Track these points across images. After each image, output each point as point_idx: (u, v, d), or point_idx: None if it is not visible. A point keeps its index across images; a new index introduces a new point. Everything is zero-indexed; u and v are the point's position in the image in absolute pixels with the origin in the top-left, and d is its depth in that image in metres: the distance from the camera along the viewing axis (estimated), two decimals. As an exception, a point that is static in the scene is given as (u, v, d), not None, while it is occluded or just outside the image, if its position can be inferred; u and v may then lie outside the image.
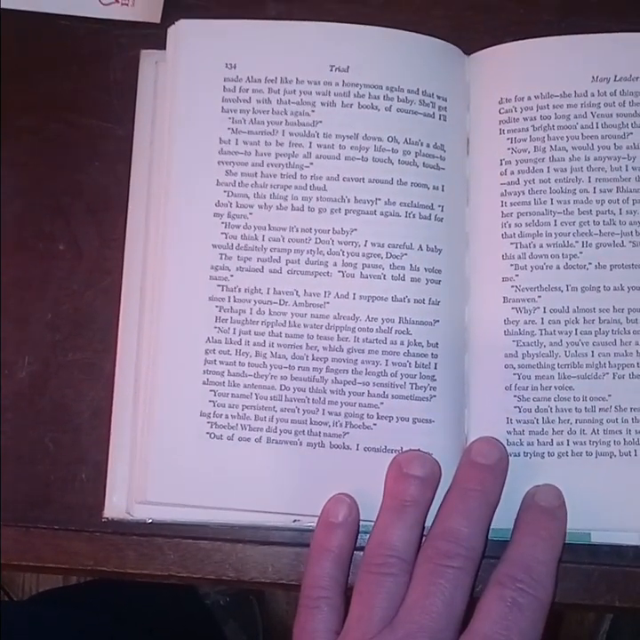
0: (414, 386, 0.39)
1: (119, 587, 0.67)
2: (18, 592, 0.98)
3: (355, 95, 0.41)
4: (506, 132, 0.42)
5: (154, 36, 0.44)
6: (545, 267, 0.40)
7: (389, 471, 0.38)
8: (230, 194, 0.41)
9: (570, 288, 0.40)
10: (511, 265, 0.40)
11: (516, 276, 0.40)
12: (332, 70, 0.42)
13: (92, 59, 0.45)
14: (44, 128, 0.44)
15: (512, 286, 0.40)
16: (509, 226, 0.41)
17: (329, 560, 0.38)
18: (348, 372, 0.40)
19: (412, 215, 0.41)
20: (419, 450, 0.39)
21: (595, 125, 0.41)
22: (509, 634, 0.35)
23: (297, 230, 0.41)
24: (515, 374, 0.40)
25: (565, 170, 0.41)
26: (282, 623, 0.92)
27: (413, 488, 0.37)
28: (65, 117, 0.45)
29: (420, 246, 0.40)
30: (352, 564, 0.38)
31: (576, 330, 0.40)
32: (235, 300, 0.40)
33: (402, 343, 0.40)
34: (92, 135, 0.44)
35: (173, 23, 0.43)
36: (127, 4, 0.45)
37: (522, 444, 0.39)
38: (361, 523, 0.39)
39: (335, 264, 0.40)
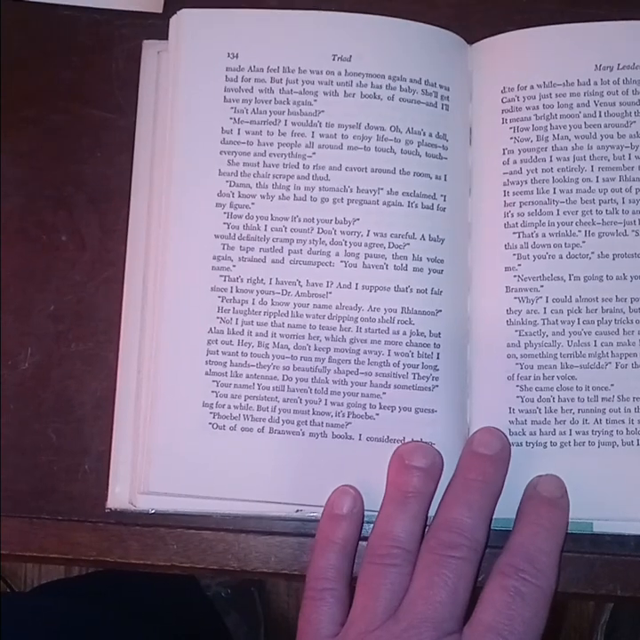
0: (417, 376, 0.39)
1: (121, 578, 0.67)
2: (20, 584, 0.98)
3: (357, 85, 0.41)
4: (508, 121, 0.42)
5: (156, 26, 0.44)
6: (547, 256, 0.40)
7: (391, 463, 0.38)
8: (232, 184, 0.41)
9: (572, 277, 0.40)
10: (514, 254, 0.40)
11: (519, 265, 0.40)
12: (334, 60, 0.41)
13: (94, 49, 0.45)
14: (45, 119, 0.44)
15: (514, 276, 0.40)
16: (512, 215, 0.41)
17: (334, 552, 0.38)
18: (350, 362, 0.40)
19: (414, 205, 0.40)
20: (421, 440, 0.39)
21: (598, 114, 0.41)
22: (512, 623, 0.35)
23: (299, 220, 0.41)
24: (517, 364, 0.40)
25: (568, 159, 0.41)
26: (283, 614, 0.93)
27: (416, 479, 0.37)
28: (67, 108, 0.44)
29: (423, 236, 0.40)
30: (356, 554, 0.39)
31: (578, 319, 0.40)
32: (237, 291, 0.40)
33: (404, 333, 0.40)
34: (94, 126, 0.44)
35: (175, 13, 0.43)
36: (128, -6, 0.45)
37: (524, 434, 0.39)
38: (364, 513, 0.39)
39: (337, 254, 0.40)
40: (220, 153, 0.41)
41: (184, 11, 0.43)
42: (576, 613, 0.93)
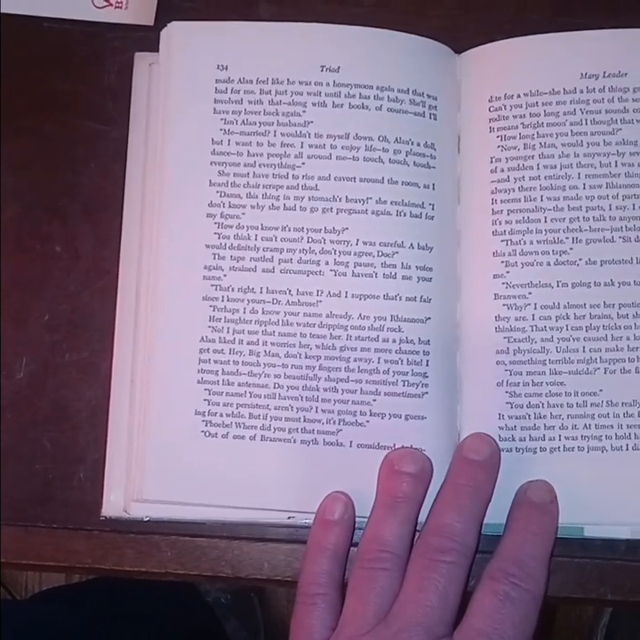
0: (406, 383, 0.40)
1: (121, 584, 0.67)
2: (21, 590, 0.98)
3: (345, 95, 0.42)
4: (496, 129, 0.42)
5: (147, 38, 0.45)
6: (535, 263, 0.40)
7: (382, 468, 0.39)
8: (223, 194, 0.42)
9: (560, 284, 0.40)
10: (502, 262, 0.41)
11: (507, 272, 0.41)
12: (322, 71, 0.42)
13: (86, 61, 0.45)
14: (39, 130, 0.45)
15: (503, 283, 0.41)
16: (500, 223, 0.41)
17: (325, 557, 0.38)
18: (340, 370, 0.40)
19: (403, 214, 0.41)
20: (411, 446, 0.39)
21: (584, 122, 0.41)
22: (502, 627, 0.35)
23: (289, 230, 0.41)
24: (506, 370, 0.40)
25: (555, 166, 0.41)
26: (282, 620, 0.92)
27: (405, 484, 0.38)
28: (60, 119, 0.45)
29: (412, 244, 0.41)
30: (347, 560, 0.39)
31: (567, 325, 0.40)
32: (228, 300, 0.41)
33: (394, 341, 0.40)
34: (87, 137, 0.45)
35: (166, 25, 0.43)
36: (120, 7, 0.45)
37: (514, 440, 0.39)
38: (356, 519, 0.39)
39: (327, 263, 0.41)
40: (211, 163, 0.42)
41: (174, 23, 0.43)
42: (575, 615, 0.92)
